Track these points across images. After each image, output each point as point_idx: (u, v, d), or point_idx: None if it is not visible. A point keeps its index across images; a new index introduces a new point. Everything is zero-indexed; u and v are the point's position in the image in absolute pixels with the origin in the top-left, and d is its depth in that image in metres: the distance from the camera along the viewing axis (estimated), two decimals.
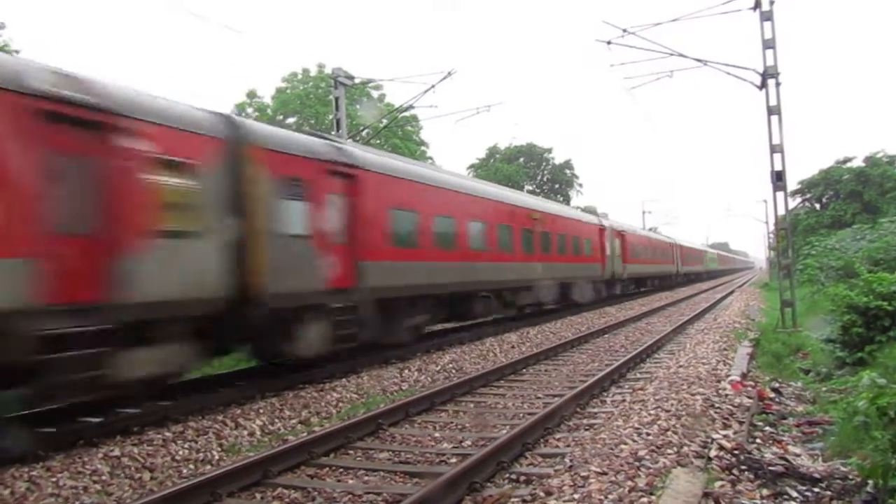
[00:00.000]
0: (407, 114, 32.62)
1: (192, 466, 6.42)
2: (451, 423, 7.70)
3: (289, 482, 5.76)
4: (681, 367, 10.21)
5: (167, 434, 7.12)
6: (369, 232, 11.42)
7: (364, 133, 29.94)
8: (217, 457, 6.74)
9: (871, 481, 4.58)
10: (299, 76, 36.40)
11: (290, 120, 34.96)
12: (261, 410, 8.36)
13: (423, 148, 39.39)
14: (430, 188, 14.15)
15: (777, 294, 17.48)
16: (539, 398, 8.84)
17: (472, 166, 57.91)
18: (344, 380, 10.38)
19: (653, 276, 38.24)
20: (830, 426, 6.62)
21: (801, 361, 10.90)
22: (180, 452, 6.67)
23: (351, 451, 6.69)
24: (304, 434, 7.21)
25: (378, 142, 34.77)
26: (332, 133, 21.04)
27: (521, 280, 18.10)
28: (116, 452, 6.39)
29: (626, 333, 16.37)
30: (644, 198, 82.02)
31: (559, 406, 7.56)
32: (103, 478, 5.90)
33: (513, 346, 14.37)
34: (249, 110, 35.39)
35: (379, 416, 7.54)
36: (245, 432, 7.53)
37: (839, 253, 20.34)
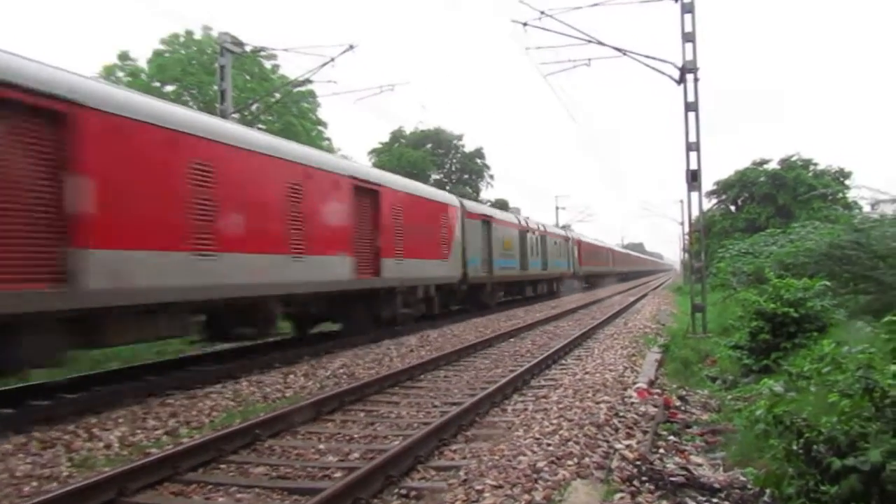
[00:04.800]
0: (303, 88, 32.13)
1: (34, 484, 6.08)
2: (339, 433, 7.66)
3: (148, 500, 5.57)
4: (587, 373, 10.59)
5: (7, 446, 6.75)
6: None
7: (254, 108, 29.29)
8: (66, 473, 6.41)
9: (767, 490, 4.92)
10: (182, 39, 35.05)
11: (169, 88, 33.61)
12: (120, 419, 8.06)
13: (319, 128, 38.85)
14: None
15: (689, 298, 18.36)
16: (436, 406, 8.93)
17: (374, 151, 57.67)
18: (219, 385, 10.15)
19: (596, 274, 52.26)
20: (733, 435, 7.04)
21: (709, 369, 11.53)
22: (21, 468, 6.32)
23: (223, 466, 6.53)
24: (170, 446, 6.98)
25: (269, 118, 34.06)
26: (217, 106, 20.46)
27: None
28: None
29: (533, 338, 16.79)
30: (558, 192, 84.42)
31: (456, 415, 7.67)
32: None
33: (411, 350, 14.46)
34: (120, 74, 33.78)
35: (257, 425, 7.41)
36: (101, 444, 7.22)
37: (751, 258, 21.66)
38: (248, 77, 34.29)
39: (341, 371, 11.78)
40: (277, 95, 30.88)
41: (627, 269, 76.89)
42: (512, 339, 16.46)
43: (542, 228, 35.02)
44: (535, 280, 33.46)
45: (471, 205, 24.94)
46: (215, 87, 23.73)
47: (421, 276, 18.72)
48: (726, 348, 11.51)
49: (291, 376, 11.09)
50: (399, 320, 17.57)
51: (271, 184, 12.25)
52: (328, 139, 40.10)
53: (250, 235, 11.46)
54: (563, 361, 12.81)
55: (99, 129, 8.61)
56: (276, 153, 12.57)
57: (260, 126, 30.52)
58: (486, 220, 25.34)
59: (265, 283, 11.91)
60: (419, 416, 8.48)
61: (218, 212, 10.59)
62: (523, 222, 31.57)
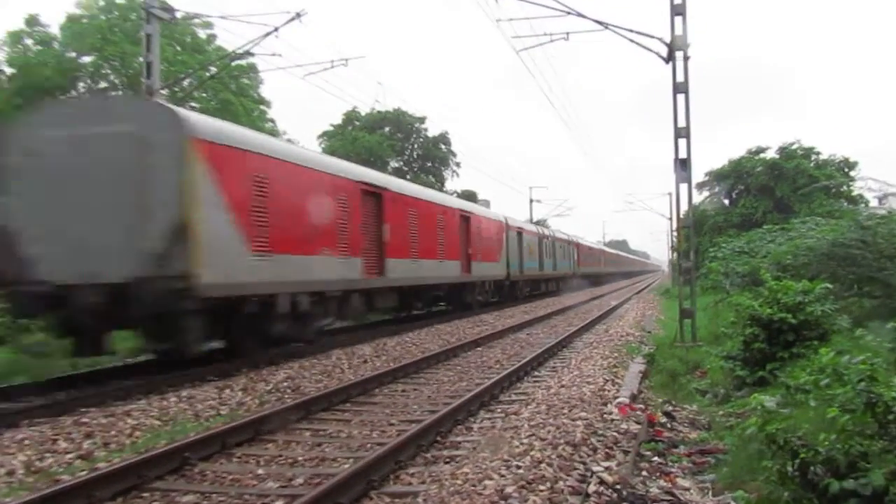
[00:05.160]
0: (242, 62, 31.77)
1: None
2: (280, 456, 7.62)
3: None
4: (563, 386, 10.66)
5: None
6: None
7: (185, 83, 28.89)
8: None
9: None
10: (101, 2, 34.45)
11: (87, 59, 33.02)
12: (26, 442, 7.91)
13: (262, 107, 38.49)
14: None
15: (677, 303, 18.52)
16: (392, 424, 8.94)
17: (324, 134, 57.32)
18: (144, 401, 10.03)
19: (590, 274, 61.95)
20: (724, 455, 7.14)
21: (698, 381, 11.67)
22: None
23: (146, 494, 6.45)
24: (84, 472, 6.88)
25: (203, 95, 33.65)
26: (142, 81, 20.15)
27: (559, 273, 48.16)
28: None
29: (503, 346, 16.88)
30: (533, 182, 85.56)
31: (415, 434, 7.68)
32: None
33: (365, 361, 14.44)
34: (28, 42, 33.09)
35: (186, 447, 7.33)
36: (2, 471, 7.08)
37: (747, 257, 21.94)
38: (178, 48, 33.83)
39: (285, 384, 11.72)
40: (213, 69, 30.47)
41: (616, 269, 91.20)
42: (479, 349, 16.54)
43: (552, 234, 47.13)
44: (548, 279, 45.13)
45: (510, 220, 35.63)
46: (140, 59, 23.34)
47: (488, 274, 30.29)
48: (717, 358, 11.64)
49: (227, 391, 10.98)
50: (474, 305, 28.38)
51: (432, 218, 23.83)
52: (272, 120, 39.79)
53: (427, 249, 22.73)
54: (537, 373, 12.91)
55: (390, 201, 19.66)
56: (432, 199, 24.98)
57: (193, 105, 30.12)
58: (519, 231, 36.49)
59: (432, 276, 23.27)
60: (373, 435, 8.47)
61: (418, 234, 21.92)
62: (540, 230, 43.91)
